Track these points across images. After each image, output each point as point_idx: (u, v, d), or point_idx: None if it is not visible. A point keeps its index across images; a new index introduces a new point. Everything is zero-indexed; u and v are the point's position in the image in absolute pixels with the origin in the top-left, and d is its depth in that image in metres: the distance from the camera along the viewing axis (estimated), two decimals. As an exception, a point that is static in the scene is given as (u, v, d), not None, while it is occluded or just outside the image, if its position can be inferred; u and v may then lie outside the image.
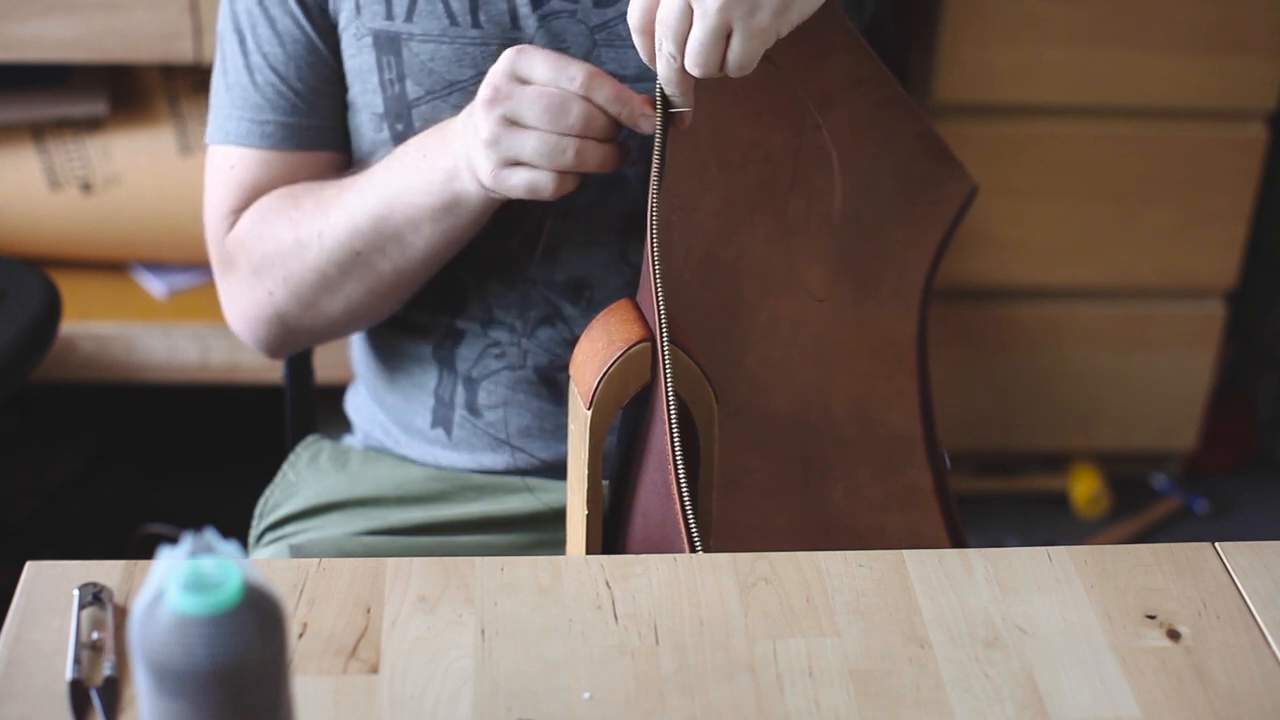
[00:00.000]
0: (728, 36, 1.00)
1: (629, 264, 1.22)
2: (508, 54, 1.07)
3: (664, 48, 1.02)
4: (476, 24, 1.16)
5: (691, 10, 1.00)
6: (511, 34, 1.16)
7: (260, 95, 1.21)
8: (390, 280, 1.20)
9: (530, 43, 1.15)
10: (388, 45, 1.18)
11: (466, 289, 1.24)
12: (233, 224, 1.25)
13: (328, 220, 1.18)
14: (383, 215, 1.16)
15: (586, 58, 1.16)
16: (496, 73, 1.07)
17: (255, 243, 1.23)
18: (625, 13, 1.15)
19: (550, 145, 1.06)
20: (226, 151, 1.24)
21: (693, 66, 1.02)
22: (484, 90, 1.07)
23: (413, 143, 1.16)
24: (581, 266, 1.22)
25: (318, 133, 1.22)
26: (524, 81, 1.06)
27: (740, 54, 1.01)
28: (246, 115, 1.22)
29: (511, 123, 1.06)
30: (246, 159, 1.23)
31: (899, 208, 1.22)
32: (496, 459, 1.27)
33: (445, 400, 1.28)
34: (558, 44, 1.16)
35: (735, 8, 0.99)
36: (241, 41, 1.21)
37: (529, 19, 1.16)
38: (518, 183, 1.08)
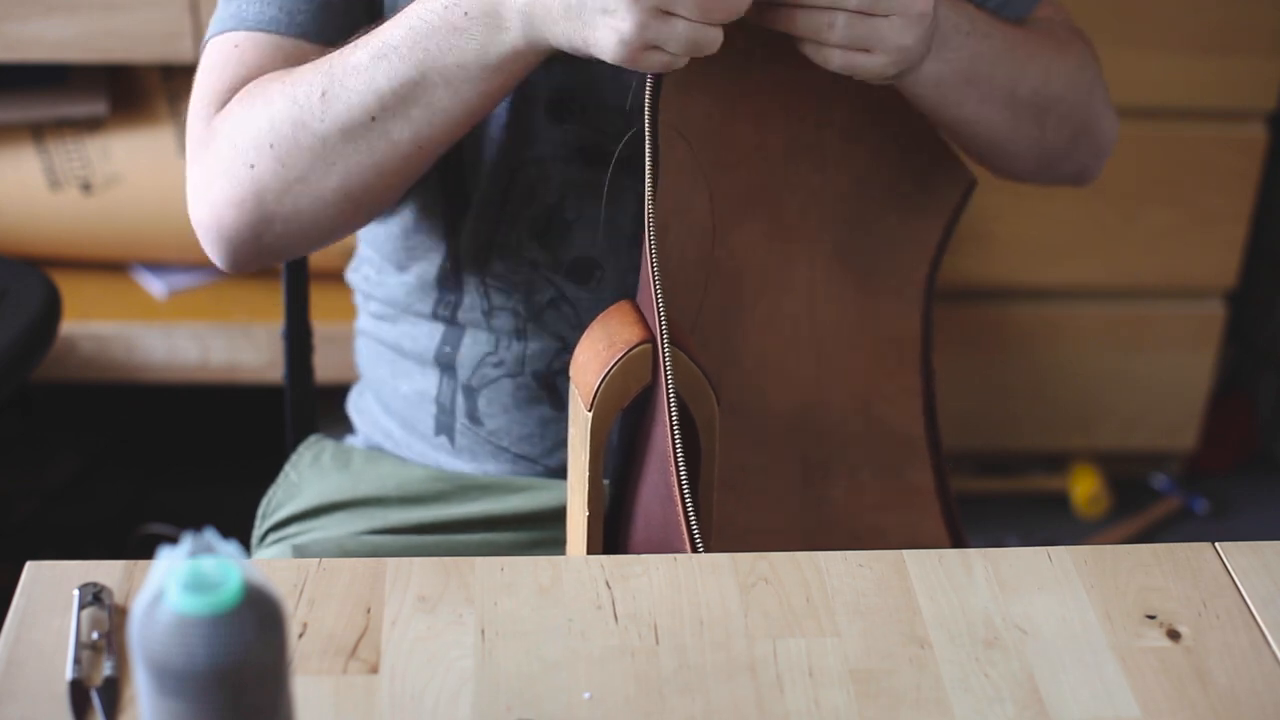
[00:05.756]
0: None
1: (640, 248, 1.18)
2: None
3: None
4: None
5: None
6: None
7: None
8: (403, 152, 1.07)
9: None
10: None
11: (465, 279, 1.23)
12: (225, 103, 1.13)
13: (331, 80, 1.06)
14: (412, 79, 1.04)
15: None
16: None
17: (244, 113, 1.10)
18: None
19: (701, 36, 0.99)
20: (235, 36, 1.14)
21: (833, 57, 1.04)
22: None
23: None
24: (589, 248, 1.20)
25: (348, 32, 1.12)
26: None
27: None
28: (274, 1, 1.13)
29: (663, 12, 0.98)
30: (260, 43, 1.13)
31: (897, 203, 1.21)
32: (499, 467, 1.27)
33: (446, 408, 1.27)
34: None
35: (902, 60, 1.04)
36: None
37: None
38: (653, 65, 1.00)
